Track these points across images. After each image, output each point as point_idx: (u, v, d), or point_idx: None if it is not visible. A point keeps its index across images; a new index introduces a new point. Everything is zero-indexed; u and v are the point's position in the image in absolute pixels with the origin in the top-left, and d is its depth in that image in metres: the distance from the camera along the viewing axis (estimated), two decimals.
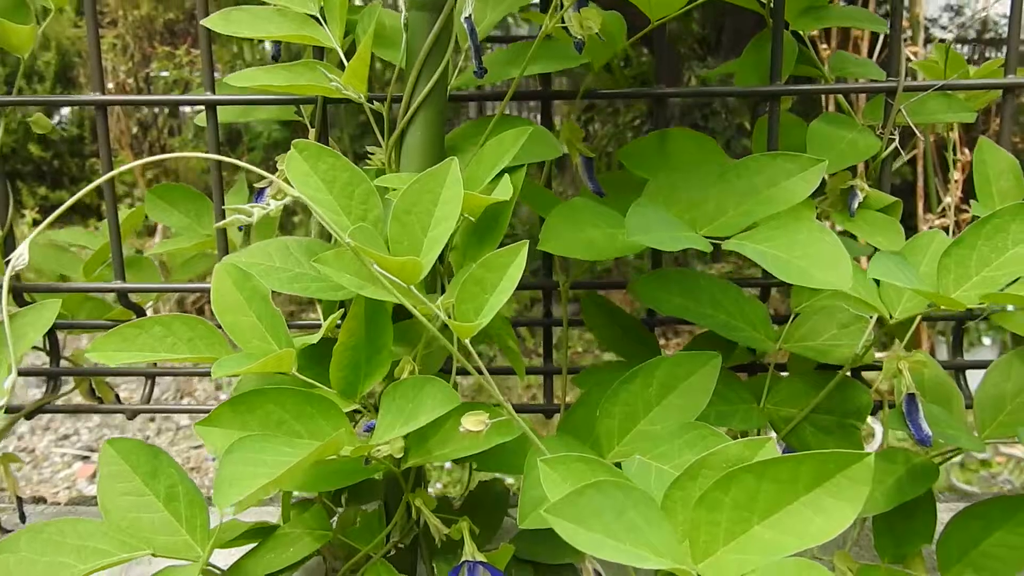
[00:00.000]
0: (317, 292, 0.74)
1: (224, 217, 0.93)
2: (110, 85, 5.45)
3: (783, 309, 0.88)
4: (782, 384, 0.80)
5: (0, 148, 0.90)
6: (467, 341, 0.53)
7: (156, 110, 5.72)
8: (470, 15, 0.64)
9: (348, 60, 0.72)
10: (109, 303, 1.01)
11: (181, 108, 5.70)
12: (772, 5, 0.82)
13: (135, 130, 5.77)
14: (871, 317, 0.78)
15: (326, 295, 0.74)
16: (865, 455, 0.42)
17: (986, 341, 3.31)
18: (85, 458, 3.22)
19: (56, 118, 6.21)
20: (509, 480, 1.33)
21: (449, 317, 0.54)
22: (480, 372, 0.54)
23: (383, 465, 0.68)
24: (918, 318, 0.77)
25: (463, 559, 0.70)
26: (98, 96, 0.86)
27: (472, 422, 0.55)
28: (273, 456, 0.53)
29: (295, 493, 0.84)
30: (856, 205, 0.83)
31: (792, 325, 0.81)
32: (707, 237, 0.69)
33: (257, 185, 0.87)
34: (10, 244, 0.92)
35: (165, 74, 5.62)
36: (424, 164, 0.71)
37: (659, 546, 0.44)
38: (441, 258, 0.73)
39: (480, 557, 0.70)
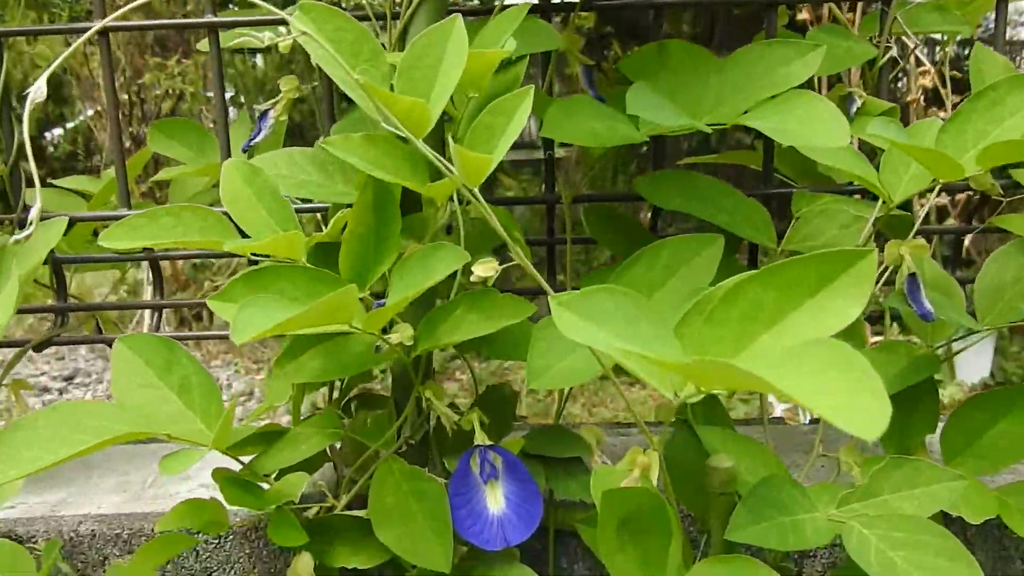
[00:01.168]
0: (323, 196, 0.75)
1: (228, 149, 0.95)
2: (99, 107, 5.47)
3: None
4: None
5: (6, 81, 0.91)
6: (477, 190, 0.54)
7: (146, 127, 5.72)
8: None
9: None
10: None
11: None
12: None
13: (128, 144, 5.80)
14: (870, 217, 0.79)
15: (332, 199, 0.75)
16: (868, 251, 0.43)
17: None
18: None
19: (48, 136, 6.23)
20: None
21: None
22: (488, 212, 0.55)
23: (393, 353, 0.69)
24: (917, 225, 0.78)
25: (474, 445, 0.71)
26: (99, 22, 0.87)
27: (483, 268, 0.55)
28: (283, 311, 0.54)
29: (303, 411, 0.84)
30: (854, 110, 0.84)
31: (793, 228, 0.82)
32: (708, 123, 0.70)
33: (259, 108, 0.88)
34: (16, 179, 0.93)
35: (158, 92, 5.63)
36: None
37: (668, 356, 0.45)
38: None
39: (491, 442, 0.70)
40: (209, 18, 0.86)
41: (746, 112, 0.69)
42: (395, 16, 0.75)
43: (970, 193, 1.38)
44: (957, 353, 0.86)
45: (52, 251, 0.98)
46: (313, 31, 0.57)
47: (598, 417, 3.10)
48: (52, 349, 3.23)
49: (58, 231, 0.82)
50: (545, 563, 0.82)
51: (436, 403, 0.72)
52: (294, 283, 0.63)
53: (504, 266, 0.57)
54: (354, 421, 0.80)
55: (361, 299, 0.68)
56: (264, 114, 0.88)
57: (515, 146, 0.79)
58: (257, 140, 0.91)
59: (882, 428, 0.32)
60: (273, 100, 0.88)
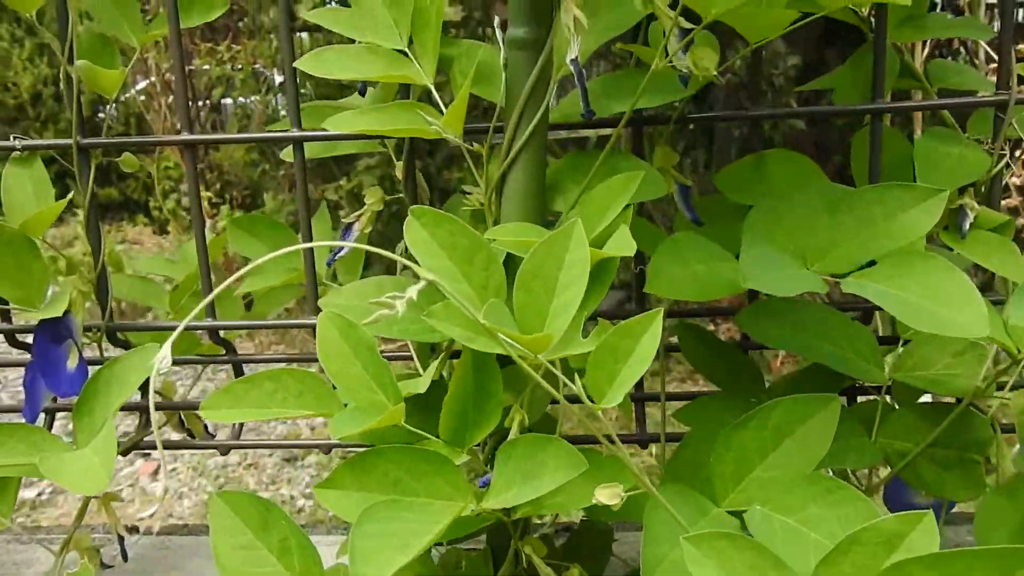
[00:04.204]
0: (416, 335, 0.73)
1: (312, 249, 0.93)
2: (152, 78, 5.48)
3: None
4: (894, 416, 0.77)
5: (92, 189, 0.90)
6: (600, 413, 0.52)
7: (199, 104, 5.73)
8: (576, 57, 0.62)
9: (437, 93, 0.71)
10: (197, 336, 1.02)
11: (222, 102, 5.72)
12: (874, 18, 0.79)
13: (178, 126, 5.82)
14: (991, 346, 0.75)
15: (425, 338, 0.73)
16: None
17: None
18: (146, 455, 3.25)
19: (101, 114, 6.27)
20: None
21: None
22: (612, 441, 0.53)
23: (494, 516, 0.68)
24: None
25: None
26: (186, 136, 0.86)
27: (607, 495, 0.53)
28: (402, 526, 0.53)
29: None
30: (967, 226, 0.79)
31: (902, 354, 0.78)
32: (821, 273, 0.67)
33: (345, 220, 0.86)
34: (103, 284, 0.93)
35: (207, 68, 5.63)
36: (526, 207, 0.69)
37: None
38: None
39: None
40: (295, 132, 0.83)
41: (865, 266, 0.65)
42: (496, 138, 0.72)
43: None
44: None
45: None
46: (426, 236, 0.54)
47: None
48: None
49: (152, 356, 0.82)
50: None
51: (536, 560, 0.70)
52: (399, 465, 0.61)
53: (629, 494, 0.54)
54: (445, 557, 0.78)
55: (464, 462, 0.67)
56: (348, 227, 0.87)
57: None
58: (342, 254, 0.90)
59: None
60: (358, 212, 0.86)
